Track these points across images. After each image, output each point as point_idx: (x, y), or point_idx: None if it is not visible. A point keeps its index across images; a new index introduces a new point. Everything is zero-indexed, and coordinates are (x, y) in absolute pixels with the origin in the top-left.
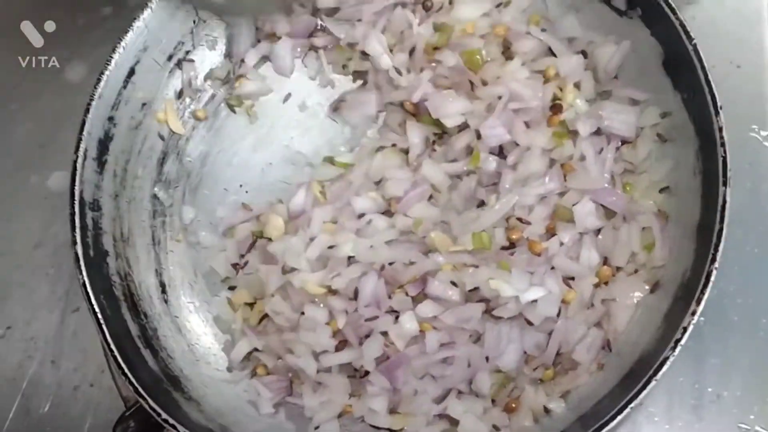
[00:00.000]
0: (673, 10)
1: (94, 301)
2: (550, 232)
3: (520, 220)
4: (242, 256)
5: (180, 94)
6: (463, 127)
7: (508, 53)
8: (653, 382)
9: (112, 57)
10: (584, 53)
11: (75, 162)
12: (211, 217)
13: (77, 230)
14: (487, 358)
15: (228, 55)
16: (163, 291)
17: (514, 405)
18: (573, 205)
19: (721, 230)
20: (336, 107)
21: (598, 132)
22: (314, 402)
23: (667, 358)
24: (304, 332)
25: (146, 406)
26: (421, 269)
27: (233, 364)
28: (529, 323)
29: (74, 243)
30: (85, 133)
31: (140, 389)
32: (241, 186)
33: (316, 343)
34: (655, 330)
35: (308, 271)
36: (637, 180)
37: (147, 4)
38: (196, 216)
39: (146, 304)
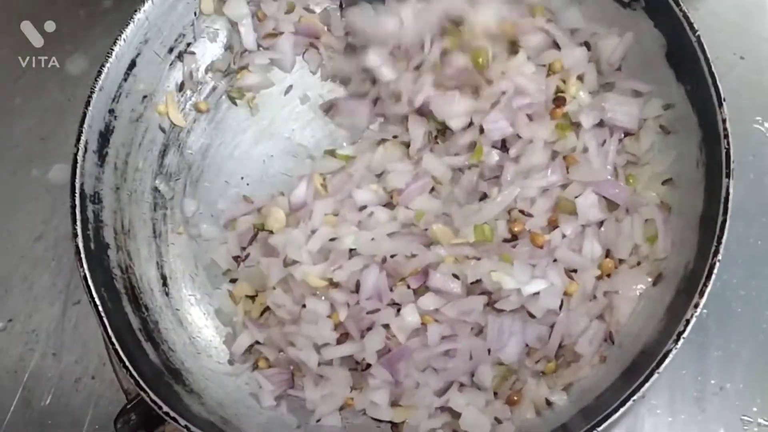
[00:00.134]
0: (676, 1)
1: (95, 294)
2: (553, 225)
3: (522, 212)
4: (243, 248)
5: (181, 87)
6: (468, 125)
7: (513, 47)
8: (656, 375)
9: (113, 49)
10: (587, 45)
11: (76, 155)
12: (213, 210)
13: (78, 223)
14: (489, 351)
15: (229, 47)
16: (164, 284)
17: (516, 398)
18: (575, 197)
19: (724, 222)
20: (328, 109)
21: (600, 124)
22: (316, 395)
23: (669, 351)
24: (306, 325)
25: (147, 399)
26: (423, 262)
27: (234, 357)
28: (531, 316)
29: (75, 236)
30: (85, 125)
31: (141, 382)
32: (242, 178)
33: (317, 335)
34: (657, 322)
35: (309, 263)
36: (640, 172)
37: None
38: (198, 208)
39: (147, 297)
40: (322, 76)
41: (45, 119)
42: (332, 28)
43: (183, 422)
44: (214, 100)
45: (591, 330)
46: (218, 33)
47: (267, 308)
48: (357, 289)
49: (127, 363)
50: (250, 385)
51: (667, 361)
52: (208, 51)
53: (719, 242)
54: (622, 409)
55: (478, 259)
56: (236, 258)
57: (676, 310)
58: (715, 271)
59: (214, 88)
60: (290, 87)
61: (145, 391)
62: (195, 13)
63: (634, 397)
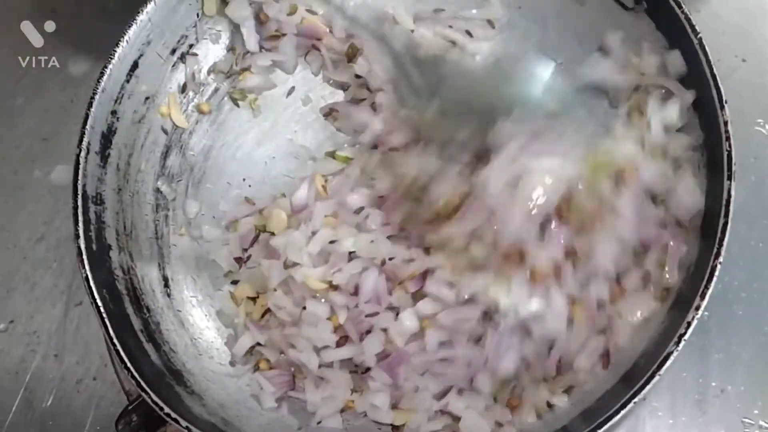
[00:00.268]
0: (678, 4)
1: (96, 295)
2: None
3: None
4: (245, 250)
5: (183, 88)
6: None
7: None
8: (657, 377)
9: (115, 51)
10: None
11: (78, 156)
12: (215, 211)
13: (80, 224)
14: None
15: (231, 48)
16: (166, 285)
17: (516, 402)
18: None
19: (725, 225)
20: (327, 113)
21: None
22: (316, 397)
23: (670, 353)
24: (306, 327)
25: (149, 400)
26: (421, 266)
27: (236, 359)
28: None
29: (77, 237)
30: (88, 126)
31: (143, 383)
32: (244, 180)
33: (317, 338)
34: (658, 325)
35: (310, 265)
36: None
37: None
38: (200, 210)
39: (149, 298)
40: (324, 78)
41: (46, 120)
42: (334, 30)
43: (184, 423)
44: (217, 102)
45: (591, 345)
46: (221, 34)
47: (268, 310)
48: (356, 292)
49: (129, 364)
50: (251, 386)
51: (668, 363)
52: (211, 52)
53: (720, 245)
54: (623, 412)
55: (477, 268)
56: (238, 259)
57: (677, 312)
58: (717, 273)
59: (216, 90)
60: (292, 88)
61: (147, 393)
62: (197, 15)
63: (635, 400)
